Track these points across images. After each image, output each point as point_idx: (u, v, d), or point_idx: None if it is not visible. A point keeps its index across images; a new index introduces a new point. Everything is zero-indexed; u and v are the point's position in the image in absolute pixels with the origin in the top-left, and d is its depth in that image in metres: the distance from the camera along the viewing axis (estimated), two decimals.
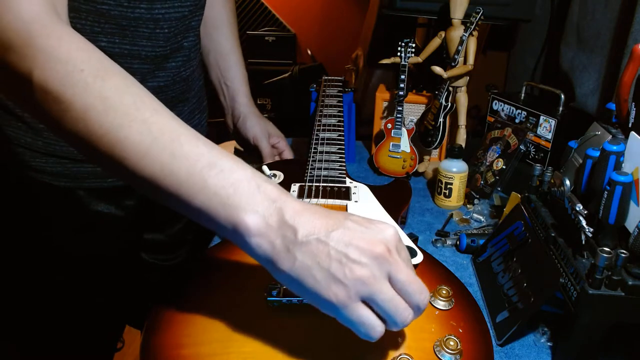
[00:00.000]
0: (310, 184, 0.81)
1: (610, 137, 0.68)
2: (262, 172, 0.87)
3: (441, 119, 1.08)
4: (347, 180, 0.84)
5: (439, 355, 0.51)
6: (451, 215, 0.98)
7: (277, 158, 1.04)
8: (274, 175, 0.87)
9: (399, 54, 1.10)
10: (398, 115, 1.11)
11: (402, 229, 0.72)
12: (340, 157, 0.90)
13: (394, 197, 0.85)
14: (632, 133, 0.61)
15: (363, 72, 1.62)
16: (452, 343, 0.51)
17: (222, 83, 1.00)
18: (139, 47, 0.70)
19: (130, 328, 1.09)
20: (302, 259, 0.42)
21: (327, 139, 0.96)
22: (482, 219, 0.96)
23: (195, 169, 0.43)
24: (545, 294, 0.62)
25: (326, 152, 0.91)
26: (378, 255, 0.42)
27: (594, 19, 1.04)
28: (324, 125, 1.01)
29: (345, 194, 0.79)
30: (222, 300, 0.57)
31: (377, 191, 0.82)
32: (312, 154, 0.91)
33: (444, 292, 0.59)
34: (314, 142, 0.95)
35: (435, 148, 1.13)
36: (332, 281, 0.41)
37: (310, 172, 0.85)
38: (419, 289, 0.44)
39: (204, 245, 0.66)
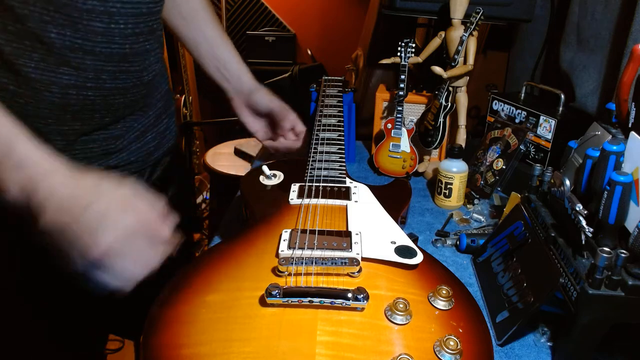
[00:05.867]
0: (310, 184, 0.81)
1: (610, 137, 0.68)
2: (263, 172, 0.87)
3: (441, 119, 1.08)
4: (347, 180, 0.84)
5: (439, 355, 0.51)
6: (451, 215, 0.98)
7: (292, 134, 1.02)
8: (274, 176, 0.87)
9: (399, 54, 1.10)
10: (398, 115, 1.11)
11: (402, 229, 0.72)
12: (340, 157, 0.90)
13: (394, 197, 0.85)
14: (632, 133, 0.61)
15: (363, 72, 1.61)
16: (452, 343, 0.51)
17: (222, 68, 0.98)
18: (92, 43, 0.67)
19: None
20: (49, 238, 0.56)
21: (327, 139, 0.96)
22: (482, 219, 0.96)
23: None
24: (545, 294, 0.62)
25: (326, 152, 0.91)
26: (100, 253, 0.54)
27: (594, 19, 1.04)
28: (324, 125, 1.01)
29: (345, 194, 0.79)
30: (221, 300, 0.57)
31: (377, 191, 0.82)
32: (312, 154, 0.91)
33: (444, 292, 0.59)
34: (314, 142, 0.95)
35: (435, 148, 1.13)
36: (70, 259, 0.56)
37: (310, 172, 0.85)
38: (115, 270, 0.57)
39: (187, 261, 0.66)
